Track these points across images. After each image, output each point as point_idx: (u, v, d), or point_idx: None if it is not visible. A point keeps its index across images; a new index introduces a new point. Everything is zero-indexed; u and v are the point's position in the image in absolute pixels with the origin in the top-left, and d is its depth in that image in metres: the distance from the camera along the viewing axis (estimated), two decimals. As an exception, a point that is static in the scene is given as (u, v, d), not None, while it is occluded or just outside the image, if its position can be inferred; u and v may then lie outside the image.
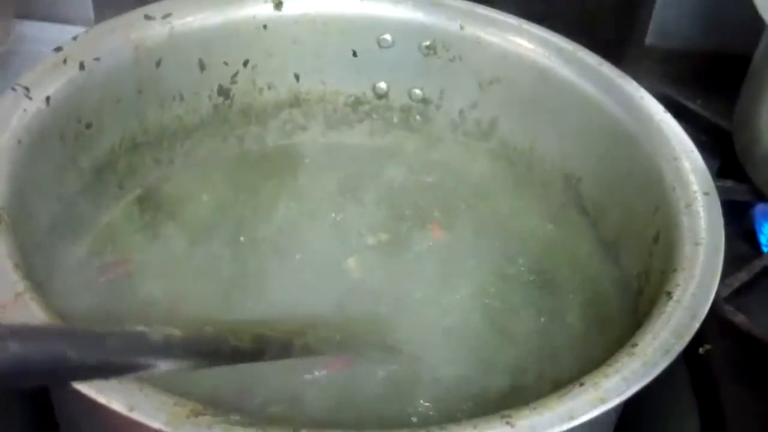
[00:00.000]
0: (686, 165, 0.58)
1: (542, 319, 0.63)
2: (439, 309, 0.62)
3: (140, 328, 0.38)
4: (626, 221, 0.63)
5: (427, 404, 0.54)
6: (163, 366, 0.38)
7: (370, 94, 0.76)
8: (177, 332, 0.39)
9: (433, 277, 0.64)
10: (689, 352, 0.53)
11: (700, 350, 0.53)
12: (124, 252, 0.64)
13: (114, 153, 0.66)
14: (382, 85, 0.75)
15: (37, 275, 0.51)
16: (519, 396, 0.53)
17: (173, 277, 0.61)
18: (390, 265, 0.65)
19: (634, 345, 0.46)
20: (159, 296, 0.59)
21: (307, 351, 0.50)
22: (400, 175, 0.74)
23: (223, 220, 0.67)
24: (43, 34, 0.82)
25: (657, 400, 0.55)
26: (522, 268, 0.67)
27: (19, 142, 0.55)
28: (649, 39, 0.93)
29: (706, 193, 0.56)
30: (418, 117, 0.76)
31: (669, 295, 0.49)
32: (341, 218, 0.69)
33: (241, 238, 0.66)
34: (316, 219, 0.69)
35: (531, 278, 0.66)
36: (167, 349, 0.39)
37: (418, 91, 0.75)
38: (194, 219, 0.66)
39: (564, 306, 0.64)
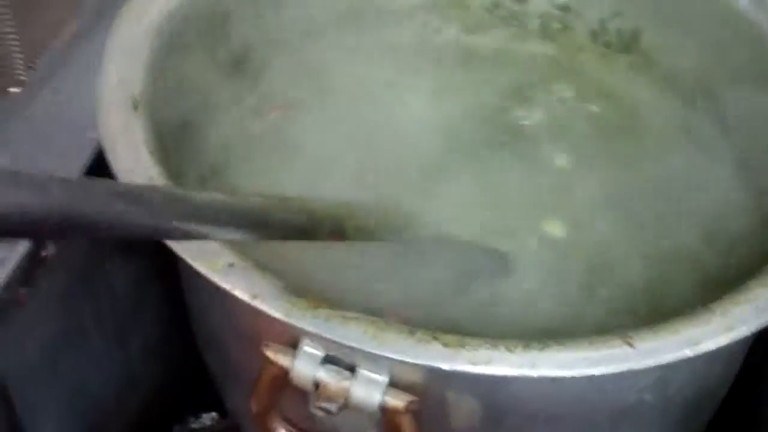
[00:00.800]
0: None
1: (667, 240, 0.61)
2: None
3: (184, 191, 0.38)
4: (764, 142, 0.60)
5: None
6: (214, 233, 0.38)
7: (507, -1, 0.74)
8: (220, 196, 0.39)
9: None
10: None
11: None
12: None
13: (249, 46, 0.67)
14: (522, -14, 0.73)
15: (171, 164, 0.53)
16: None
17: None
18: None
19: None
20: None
21: (363, 235, 0.48)
22: (536, 86, 0.73)
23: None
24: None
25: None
26: (654, 186, 0.65)
27: (160, 28, 0.56)
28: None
29: None
30: (557, 24, 0.73)
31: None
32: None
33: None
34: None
35: (664, 196, 0.64)
36: (213, 213, 0.38)
37: (558, -4, 0.72)
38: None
39: (695, 226, 0.62)
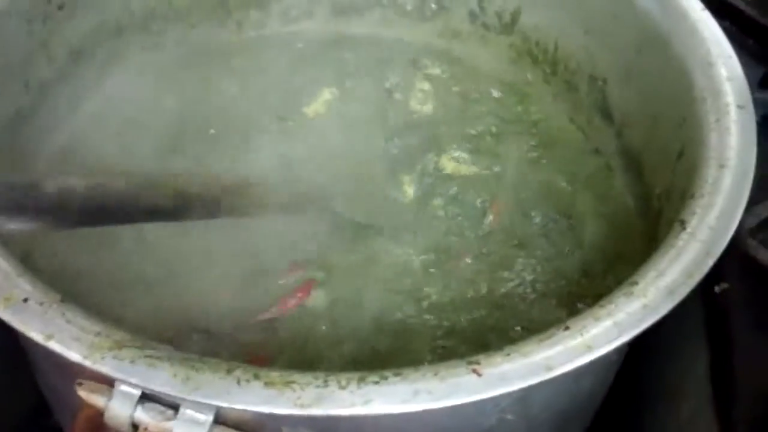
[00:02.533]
0: (721, 72, 0.51)
1: (551, 227, 0.58)
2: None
3: (35, 178, 0.33)
4: (651, 132, 0.56)
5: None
6: (60, 223, 0.34)
7: (383, -21, 0.69)
8: (78, 183, 0.34)
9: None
10: (705, 289, 0.48)
11: (716, 288, 0.47)
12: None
13: (92, 38, 0.61)
14: (397, -31, 0.68)
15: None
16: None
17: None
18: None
19: (634, 284, 0.40)
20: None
21: (237, 212, 0.46)
22: (411, 70, 0.68)
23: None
24: None
25: (667, 335, 0.49)
26: (541, 173, 0.61)
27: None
28: None
29: (740, 107, 0.48)
30: (433, 5, 0.69)
31: (683, 224, 0.43)
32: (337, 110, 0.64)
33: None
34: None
35: (549, 183, 0.60)
36: (63, 203, 0.34)
37: (434, -23, 0.68)
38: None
39: (581, 220, 0.58)
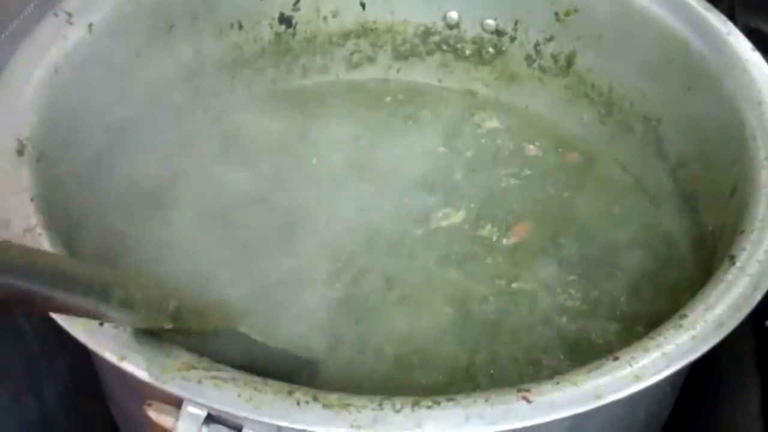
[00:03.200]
0: (772, 111, 0.52)
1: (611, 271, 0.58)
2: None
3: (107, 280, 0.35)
4: (705, 170, 0.57)
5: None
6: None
7: (440, 25, 0.71)
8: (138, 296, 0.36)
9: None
10: (756, 324, 0.48)
11: (767, 323, 0.47)
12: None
13: (167, 82, 0.64)
14: (453, 14, 0.71)
15: (72, 207, 0.50)
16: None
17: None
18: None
19: (683, 316, 0.41)
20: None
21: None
22: (473, 112, 0.70)
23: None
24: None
25: (720, 371, 0.50)
26: (594, 216, 0.62)
27: (56, 71, 0.53)
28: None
29: (791, 146, 0.49)
30: (491, 49, 0.71)
31: (732, 259, 0.44)
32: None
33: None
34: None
35: (603, 226, 0.61)
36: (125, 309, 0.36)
37: (491, 22, 0.70)
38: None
39: (635, 257, 0.59)
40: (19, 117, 0.49)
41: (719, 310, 0.41)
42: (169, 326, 0.38)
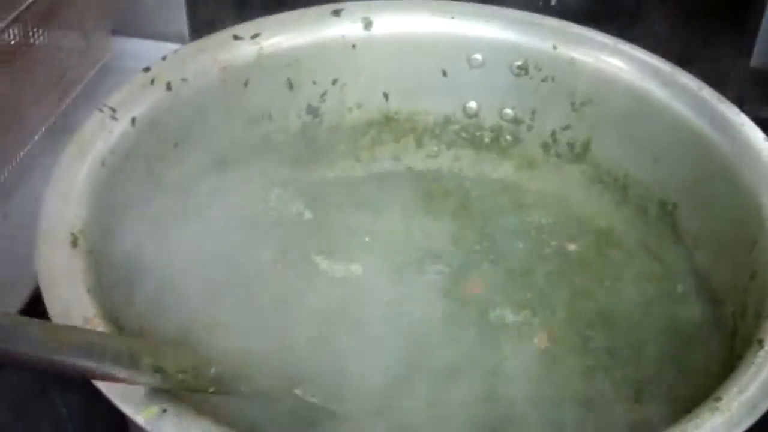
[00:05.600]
0: (789, 199, 0.54)
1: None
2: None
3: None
4: (722, 255, 0.60)
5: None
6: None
7: (459, 114, 0.74)
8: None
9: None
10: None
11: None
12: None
13: (200, 170, 0.67)
14: (473, 104, 0.74)
15: (116, 298, 0.52)
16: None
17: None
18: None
19: (718, 399, 0.43)
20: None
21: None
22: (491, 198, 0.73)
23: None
24: (139, 51, 0.83)
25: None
26: (613, 300, 0.64)
27: (103, 164, 0.56)
28: (755, 61, 0.87)
29: (808, 232, 0.52)
30: (509, 137, 0.74)
31: (761, 343, 0.46)
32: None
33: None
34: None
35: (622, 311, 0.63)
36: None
37: (509, 111, 0.73)
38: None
39: (655, 344, 0.61)
40: (72, 210, 0.52)
41: (751, 392, 0.43)
42: (212, 390, 0.42)
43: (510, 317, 0.62)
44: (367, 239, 0.67)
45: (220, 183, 0.69)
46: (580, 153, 0.72)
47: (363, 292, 0.63)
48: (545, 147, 0.73)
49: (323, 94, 0.71)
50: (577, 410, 0.55)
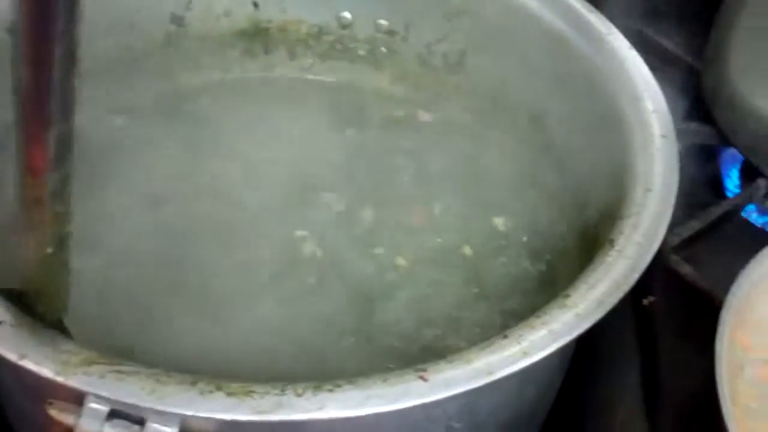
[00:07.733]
0: (648, 106, 0.55)
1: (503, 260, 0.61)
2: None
3: None
4: (590, 164, 0.60)
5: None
6: None
7: (333, 24, 0.73)
8: None
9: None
10: (635, 303, 0.51)
11: (644, 302, 0.51)
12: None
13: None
14: (347, 14, 0.72)
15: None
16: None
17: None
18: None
19: (567, 296, 0.43)
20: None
21: None
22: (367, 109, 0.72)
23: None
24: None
25: (603, 347, 0.53)
26: (489, 209, 0.65)
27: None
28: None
29: (664, 136, 0.53)
30: (383, 49, 0.73)
31: (611, 243, 0.47)
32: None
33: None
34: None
35: (494, 220, 0.64)
36: None
37: (383, 22, 0.72)
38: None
39: (526, 251, 0.62)
40: None
41: (600, 289, 0.44)
42: None
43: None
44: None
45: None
46: (455, 64, 0.71)
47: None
48: (420, 59, 0.72)
49: (189, 2, 0.69)
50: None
